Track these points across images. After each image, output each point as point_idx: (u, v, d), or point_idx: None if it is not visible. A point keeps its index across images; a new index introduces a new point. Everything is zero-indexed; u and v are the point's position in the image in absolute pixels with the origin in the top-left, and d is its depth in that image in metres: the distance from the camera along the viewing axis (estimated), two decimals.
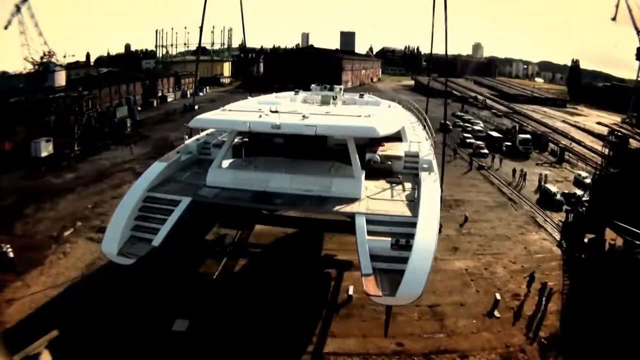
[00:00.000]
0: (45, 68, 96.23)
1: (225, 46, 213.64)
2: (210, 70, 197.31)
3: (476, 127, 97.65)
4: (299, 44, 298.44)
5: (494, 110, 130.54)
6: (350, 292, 31.26)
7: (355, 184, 28.53)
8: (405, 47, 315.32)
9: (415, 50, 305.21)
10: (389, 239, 24.09)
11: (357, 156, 28.87)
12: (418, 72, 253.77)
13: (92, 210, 51.26)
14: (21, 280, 35.91)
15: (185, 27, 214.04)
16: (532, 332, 28.82)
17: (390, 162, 32.71)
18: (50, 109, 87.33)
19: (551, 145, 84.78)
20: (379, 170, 31.84)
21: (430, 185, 28.24)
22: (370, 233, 24.67)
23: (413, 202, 27.20)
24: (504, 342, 27.73)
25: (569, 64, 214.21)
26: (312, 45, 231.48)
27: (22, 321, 29.88)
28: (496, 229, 44.24)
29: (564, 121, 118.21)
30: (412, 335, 27.95)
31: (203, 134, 37.83)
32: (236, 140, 35.13)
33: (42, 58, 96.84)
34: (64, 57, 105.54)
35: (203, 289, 32.16)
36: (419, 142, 36.05)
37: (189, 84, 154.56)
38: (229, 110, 33.80)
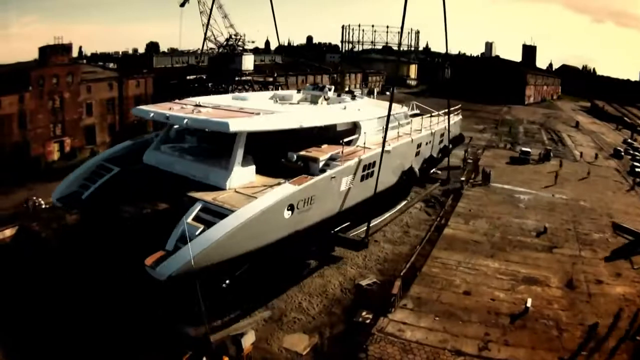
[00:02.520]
0: (231, 50, 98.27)
1: (412, 48, 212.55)
2: (396, 71, 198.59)
3: None
4: (483, 53, 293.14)
5: None
6: (528, 304, 31.96)
7: (223, 175, 30.42)
8: (583, 66, 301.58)
9: (592, 71, 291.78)
10: (203, 226, 25.94)
11: (239, 150, 30.52)
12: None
13: None
14: None
15: (373, 26, 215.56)
16: None
17: (301, 163, 33.33)
18: (236, 91, 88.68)
19: None
20: (293, 170, 32.50)
21: (283, 188, 28.95)
22: (197, 219, 26.67)
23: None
24: None
25: None
26: (498, 56, 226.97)
27: None
28: None
29: None
30: (571, 351, 28.40)
31: None
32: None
33: (227, 40, 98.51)
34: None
35: None
36: (365, 147, 36.04)
37: (376, 81, 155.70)
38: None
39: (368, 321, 30.01)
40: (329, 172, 32.24)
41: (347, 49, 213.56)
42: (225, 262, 26.49)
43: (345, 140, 36.79)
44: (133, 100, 79.43)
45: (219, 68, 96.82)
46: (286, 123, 33.50)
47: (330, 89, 45.68)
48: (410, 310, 31.41)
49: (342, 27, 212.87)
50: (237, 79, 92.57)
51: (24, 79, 71.41)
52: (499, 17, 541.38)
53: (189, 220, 26.71)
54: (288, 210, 29.22)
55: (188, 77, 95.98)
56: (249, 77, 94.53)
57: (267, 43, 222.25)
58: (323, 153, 34.21)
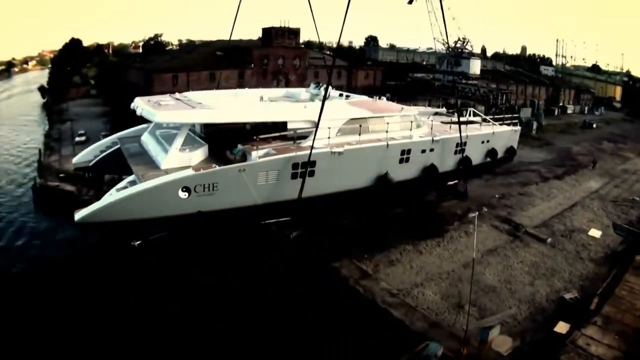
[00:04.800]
0: (459, 53, 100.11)
1: (618, 69, 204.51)
2: (604, 91, 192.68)
3: None
4: None
5: None
6: None
7: (162, 157, 35.19)
8: None
9: None
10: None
11: (179, 137, 35.02)
12: None
13: (498, 200, 58.06)
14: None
15: (584, 42, 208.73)
16: None
17: (234, 155, 36.65)
18: (461, 93, 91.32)
19: None
20: (231, 161, 35.67)
21: (180, 172, 32.43)
22: (123, 187, 32.64)
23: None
24: None
25: None
26: None
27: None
28: None
29: None
30: None
31: None
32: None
33: (455, 42, 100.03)
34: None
35: None
36: (311, 147, 36.65)
37: (587, 100, 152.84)
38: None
39: (565, 332, 32.33)
40: (236, 165, 34.70)
41: (560, 63, 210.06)
42: (123, 222, 31.22)
43: (302, 137, 39.63)
44: (362, 91, 77.75)
45: (445, 69, 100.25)
46: (213, 118, 37.46)
47: (325, 88, 44.10)
48: (599, 327, 32.99)
49: (557, 40, 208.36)
50: (463, 81, 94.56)
51: (246, 57, 77.81)
52: None
53: (117, 187, 32.94)
54: (183, 191, 32.33)
55: (415, 75, 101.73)
56: (475, 82, 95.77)
57: (483, 49, 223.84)
58: (259, 148, 36.12)
